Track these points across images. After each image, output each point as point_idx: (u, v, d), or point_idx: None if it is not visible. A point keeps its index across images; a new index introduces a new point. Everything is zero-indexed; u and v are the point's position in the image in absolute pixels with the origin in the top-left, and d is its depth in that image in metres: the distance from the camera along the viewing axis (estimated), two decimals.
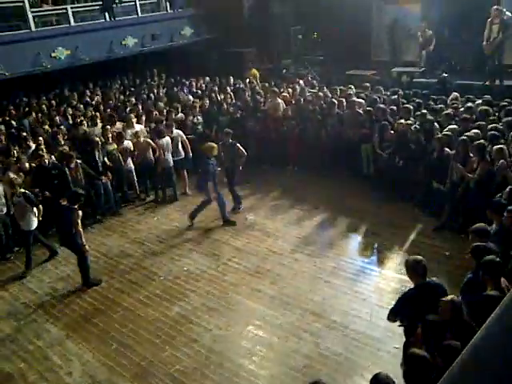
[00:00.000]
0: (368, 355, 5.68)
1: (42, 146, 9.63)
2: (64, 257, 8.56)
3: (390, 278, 7.22)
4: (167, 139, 10.36)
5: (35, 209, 8.26)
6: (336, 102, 10.88)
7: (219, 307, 6.92)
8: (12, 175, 8.57)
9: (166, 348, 6.19)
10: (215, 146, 9.17)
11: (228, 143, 9.58)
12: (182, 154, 10.77)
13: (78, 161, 9.39)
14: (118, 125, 11.03)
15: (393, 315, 4.83)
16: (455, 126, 8.65)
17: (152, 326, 6.65)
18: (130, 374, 5.82)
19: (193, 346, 6.18)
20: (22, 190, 8.17)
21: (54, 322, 6.94)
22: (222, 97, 12.87)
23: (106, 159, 9.88)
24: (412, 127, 9.05)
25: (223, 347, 6.12)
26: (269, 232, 8.92)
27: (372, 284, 7.20)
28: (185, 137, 10.86)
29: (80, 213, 7.66)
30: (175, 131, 10.67)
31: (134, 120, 11.17)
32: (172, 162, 10.51)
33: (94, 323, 6.83)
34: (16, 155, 9.33)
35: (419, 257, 4.79)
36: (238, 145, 9.53)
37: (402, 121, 9.27)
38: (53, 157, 9.55)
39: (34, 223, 8.29)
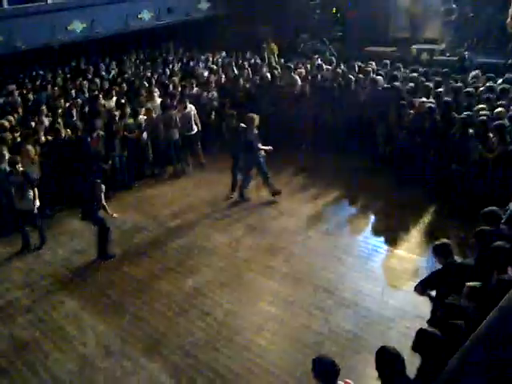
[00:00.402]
0: (378, 334, 5.69)
1: (59, 120, 9.68)
2: (79, 230, 8.65)
3: (402, 258, 7.20)
4: (172, 113, 10.39)
5: (35, 189, 8.04)
6: (354, 78, 10.68)
7: (231, 282, 6.96)
8: (30, 147, 8.64)
9: (179, 321, 6.26)
10: (256, 116, 8.94)
11: (232, 125, 9.36)
12: (195, 128, 10.75)
13: (101, 132, 9.44)
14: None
15: (421, 287, 4.91)
16: (483, 106, 8.32)
17: (165, 298, 6.72)
18: (142, 345, 5.91)
19: (205, 320, 6.24)
20: (22, 169, 7.98)
21: (69, 294, 7.05)
22: (238, 72, 12.75)
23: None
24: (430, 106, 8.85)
25: (235, 322, 6.17)
26: (282, 210, 8.90)
27: (384, 263, 7.19)
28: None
29: (103, 187, 7.70)
30: (189, 106, 10.63)
31: (157, 93, 11.12)
32: (177, 136, 10.52)
33: (107, 295, 6.93)
34: (33, 128, 9.38)
35: (445, 240, 4.82)
36: (243, 125, 9.16)
37: (424, 99, 9.07)
38: (68, 130, 9.59)
39: (37, 203, 8.08)
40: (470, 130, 7.85)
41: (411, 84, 9.82)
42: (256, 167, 9.13)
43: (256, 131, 8.95)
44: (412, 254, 7.21)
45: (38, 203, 8.09)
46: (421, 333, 3.69)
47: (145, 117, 10.33)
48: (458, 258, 4.93)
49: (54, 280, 7.40)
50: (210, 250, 7.82)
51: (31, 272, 7.66)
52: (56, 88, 12.57)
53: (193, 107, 10.74)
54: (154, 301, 6.69)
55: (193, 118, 10.64)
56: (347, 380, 3.71)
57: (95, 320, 6.44)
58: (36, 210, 8.08)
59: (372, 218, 8.54)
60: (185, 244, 8.04)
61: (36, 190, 8.01)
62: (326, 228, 8.18)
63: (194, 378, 5.36)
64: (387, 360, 3.45)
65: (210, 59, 14.95)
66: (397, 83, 9.93)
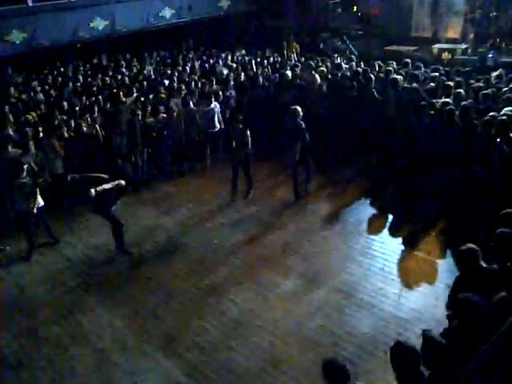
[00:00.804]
0: (394, 335, 5.64)
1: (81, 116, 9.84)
2: (99, 225, 8.76)
3: (420, 260, 7.14)
4: (192, 110, 10.52)
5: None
6: (373, 77, 10.58)
7: (247, 281, 6.98)
8: (55, 141, 8.82)
9: (194, 318, 6.31)
10: (299, 108, 8.93)
11: (238, 129, 9.19)
12: (218, 126, 10.79)
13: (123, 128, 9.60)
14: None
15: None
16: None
17: (181, 296, 6.76)
18: (158, 342, 5.96)
19: (220, 318, 6.28)
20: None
21: (87, 289, 7.14)
22: (257, 70, 12.76)
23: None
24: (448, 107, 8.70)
25: (249, 321, 6.19)
26: (299, 209, 8.90)
27: (402, 265, 7.13)
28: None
29: (123, 182, 7.51)
30: (213, 103, 10.68)
31: (184, 91, 11.18)
32: (197, 133, 10.68)
33: (124, 292, 7.00)
34: (56, 123, 9.51)
35: (471, 245, 4.55)
36: (248, 132, 9.10)
37: (445, 99, 8.94)
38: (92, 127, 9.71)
39: (41, 201, 8.03)
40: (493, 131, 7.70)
41: (432, 84, 9.70)
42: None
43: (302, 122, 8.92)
44: (430, 256, 7.15)
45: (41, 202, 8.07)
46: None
47: (164, 115, 10.38)
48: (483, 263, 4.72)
49: (73, 275, 7.50)
50: (226, 248, 7.85)
51: (50, 267, 7.77)
52: (78, 84, 12.72)
53: (217, 104, 10.79)
54: (170, 298, 6.75)
55: (216, 116, 10.69)
56: None
57: (112, 316, 6.51)
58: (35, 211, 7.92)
59: (390, 219, 8.48)
60: (201, 242, 8.07)
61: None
62: (343, 228, 8.15)
63: (209, 376, 5.40)
64: (403, 354, 3.45)
65: (229, 57, 14.98)
66: (415, 84, 9.78)
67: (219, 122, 10.78)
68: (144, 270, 7.47)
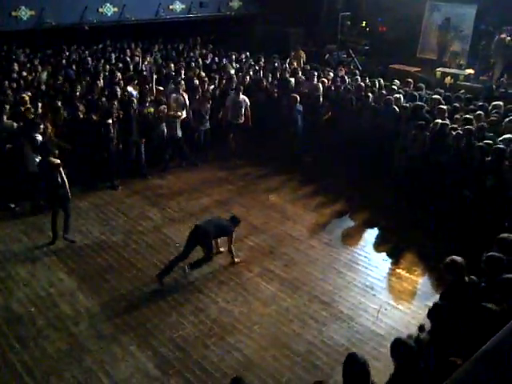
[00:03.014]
0: (370, 350, 5.67)
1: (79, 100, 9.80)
2: (85, 210, 8.75)
3: (402, 277, 7.17)
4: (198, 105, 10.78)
5: None
6: (371, 95, 10.67)
7: (229, 281, 6.98)
8: (48, 126, 8.82)
9: (173, 313, 6.29)
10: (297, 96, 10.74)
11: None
12: (243, 119, 11.17)
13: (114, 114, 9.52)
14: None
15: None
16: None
17: (162, 290, 6.74)
18: (134, 333, 5.94)
19: (198, 315, 6.26)
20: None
21: (68, 272, 7.11)
22: (262, 74, 12.82)
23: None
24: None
25: (228, 321, 6.18)
26: (288, 215, 8.91)
27: (384, 281, 7.16)
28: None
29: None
30: (242, 96, 11.04)
31: (183, 87, 11.19)
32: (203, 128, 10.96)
33: (106, 279, 6.97)
34: (55, 105, 9.45)
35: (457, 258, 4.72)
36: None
37: (439, 121, 9.02)
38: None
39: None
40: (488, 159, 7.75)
41: (427, 108, 9.75)
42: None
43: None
44: (412, 275, 7.19)
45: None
46: (396, 342, 3.85)
47: (164, 106, 10.31)
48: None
49: (55, 257, 7.47)
50: None
51: (34, 247, 7.74)
52: (80, 69, 12.66)
53: (246, 98, 11.15)
54: (150, 291, 6.73)
55: (243, 108, 11.06)
56: None
57: (90, 302, 6.49)
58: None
59: (376, 233, 8.52)
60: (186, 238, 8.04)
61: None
62: (330, 239, 8.17)
63: (180, 371, 5.38)
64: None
65: (234, 57, 14.94)
66: (417, 103, 9.84)
67: (244, 115, 11.19)
68: (127, 260, 7.45)
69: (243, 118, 11.18)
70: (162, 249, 7.77)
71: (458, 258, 4.70)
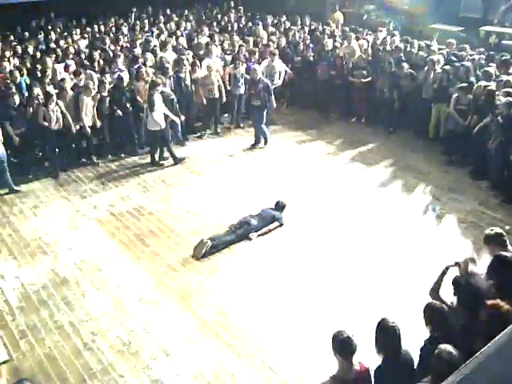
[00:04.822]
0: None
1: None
2: (125, 178, 8.92)
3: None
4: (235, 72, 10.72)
5: None
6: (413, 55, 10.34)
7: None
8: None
9: (211, 277, 6.40)
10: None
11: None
12: (279, 82, 11.25)
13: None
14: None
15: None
16: None
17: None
18: (174, 296, 6.08)
19: (235, 278, 6.35)
20: None
21: (111, 238, 7.31)
22: (299, 37, 12.58)
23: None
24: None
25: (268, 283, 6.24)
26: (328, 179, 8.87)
27: None
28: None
29: None
30: (277, 60, 11.12)
31: (215, 51, 11.20)
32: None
33: (146, 244, 7.13)
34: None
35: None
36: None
37: (482, 83, 8.69)
38: None
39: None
40: None
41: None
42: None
43: None
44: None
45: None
46: (428, 306, 3.84)
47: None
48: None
49: (97, 223, 7.68)
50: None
51: (77, 213, 7.97)
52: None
53: (282, 64, 11.26)
54: (189, 255, 6.84)
55: (278, 72, 11.10)
56: (362, 363, 3.70)
57: (132, 266, 6.66)
58: None
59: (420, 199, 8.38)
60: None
61: None
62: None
63: (219, 334, 5.49)
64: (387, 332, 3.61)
65: (269, 21, 14.66)
66: (465, 63, 9.51)
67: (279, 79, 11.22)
68: (166, 225, 7.58)
69: (278, 81, 11.13)
70: (199, 215, 7.86)
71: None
